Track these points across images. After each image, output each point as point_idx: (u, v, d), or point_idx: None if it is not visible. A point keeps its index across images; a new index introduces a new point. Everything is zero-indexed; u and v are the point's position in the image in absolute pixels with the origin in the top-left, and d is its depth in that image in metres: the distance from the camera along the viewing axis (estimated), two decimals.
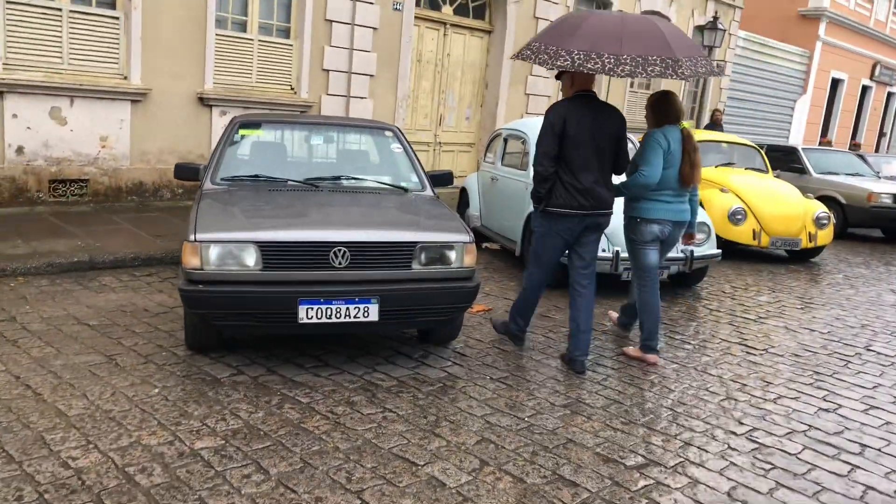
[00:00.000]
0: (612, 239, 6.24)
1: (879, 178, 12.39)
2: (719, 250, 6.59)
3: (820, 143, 23.51)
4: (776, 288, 7.22)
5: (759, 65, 19.28)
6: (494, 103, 12.50)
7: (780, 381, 4.49)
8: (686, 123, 4.47)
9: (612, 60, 3.79)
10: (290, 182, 4.68)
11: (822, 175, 11.90)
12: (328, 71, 9.82)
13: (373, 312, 3.84)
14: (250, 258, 3.72)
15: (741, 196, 8.68)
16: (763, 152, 10.08)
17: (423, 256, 3.99)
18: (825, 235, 8.74)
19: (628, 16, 4.25)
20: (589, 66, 3.79)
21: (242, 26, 9.08)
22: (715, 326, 5.66)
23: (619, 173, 4.42)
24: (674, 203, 4.47)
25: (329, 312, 3.77)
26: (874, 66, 25.51)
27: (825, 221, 8.73)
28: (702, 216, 6.64)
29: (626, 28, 3.98)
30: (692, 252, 6.31)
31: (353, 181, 4.88)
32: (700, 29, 15.67)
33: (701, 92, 15.65)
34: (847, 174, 12.07)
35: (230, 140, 4.93)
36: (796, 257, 8.93)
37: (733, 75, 18.20)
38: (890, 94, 27.67)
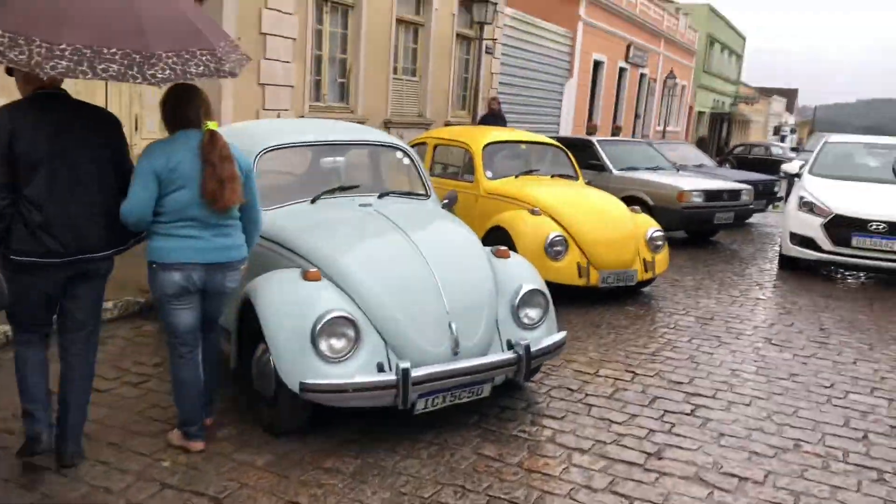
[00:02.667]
0: (398, 349, 3.48)
1: (678, 170, 10.95)
2: (563, 333, 4.06)
3: (587, 129, 22.89)
4: (636, 364, 4.89)
5: (527, 46, 17.67)
6: (217, 98, 9.20)
7: None
8: (212, 124, 3.28)
9: (44, 51, 2.64)
10: None
11: (623, 172, 10.14)
12: None
13: None
14: None
15: (557, 218, 6.34)
16: (569, 152, 7.90)
17: None
18: (662, 260, 6.69)
19: None
20: (12, 55, 2.63)
21: None
22: None
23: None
24: (202, 238, 3.26)
25: None
26: (628, 48, 25.48)
27: (660, 243, 6.68)
28: (534, 280, 4.07)
29: (78, 2, 2.85)
30: (527, 349, 3.71)
31: None
32: (465, 4, 13.47)
33: (475, 78, 13.49)
34: (647, 168, 10.45)
35: None
36: (627, 292, 6.79)
37: (503, 58, 16.35)
38: (642, 76, 28.07)
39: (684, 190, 9.29)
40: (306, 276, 3.59)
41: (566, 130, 20.69)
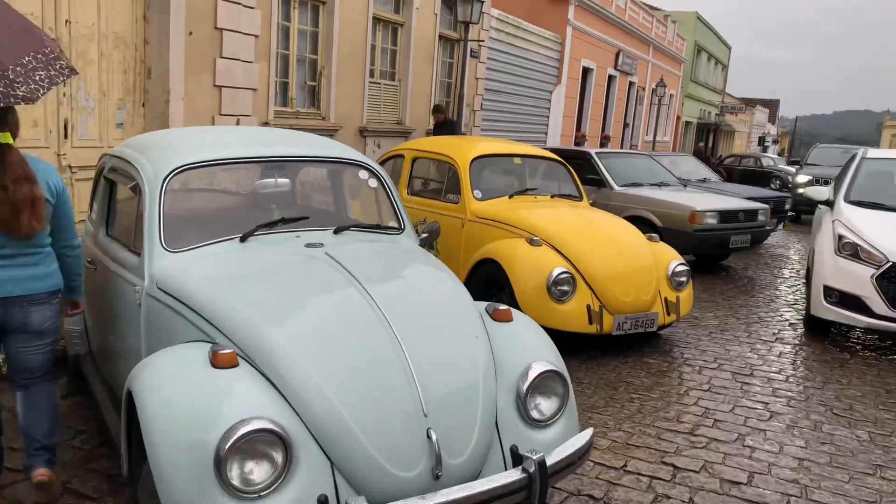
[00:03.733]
0: (351, 474, 2.33)
1: (686, 186, 9.88)
2: (588, 433, 2.88)
3: (575, 139, 21.87)
4: (673, 451, 3.73)
5: (514, 50, 16.60)
6: (164, 100, 8.00)
7: None
8: (3, 137, 2.66)
9: None
10: None
11: (625, 189, 9.04)
12: None
13: None
14: None
15: (562, 249, 5.20)
16: (571, 168, 6.76)
17: None
18: (686, 299, 5.57)
19: None
20: None
21: None
22: None
23: None
24: None
25: None
26: (617, 55, 24.54)
27: (685, 279, 5.56)
28: (547, 355, 2.90)
29: None
30: (541, 465, 2.54)
31: None
32: (449, 3, 12.36)
33: (459, 83, 12.35)
34: (652, 185, 9.36)
35: None
36: (643, 337, 5.64)
37: (489, 62, 15.26)
38: (631, 84, 27.14)
39: (697, 210, 8.20)
40: (215, 360, 2.41)
41: (554, 140, 19.66)
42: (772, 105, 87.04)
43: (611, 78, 24.56)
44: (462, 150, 6.10)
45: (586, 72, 22.05)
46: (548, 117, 19.55)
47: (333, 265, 2.92)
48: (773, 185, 27.69)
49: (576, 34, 20.32)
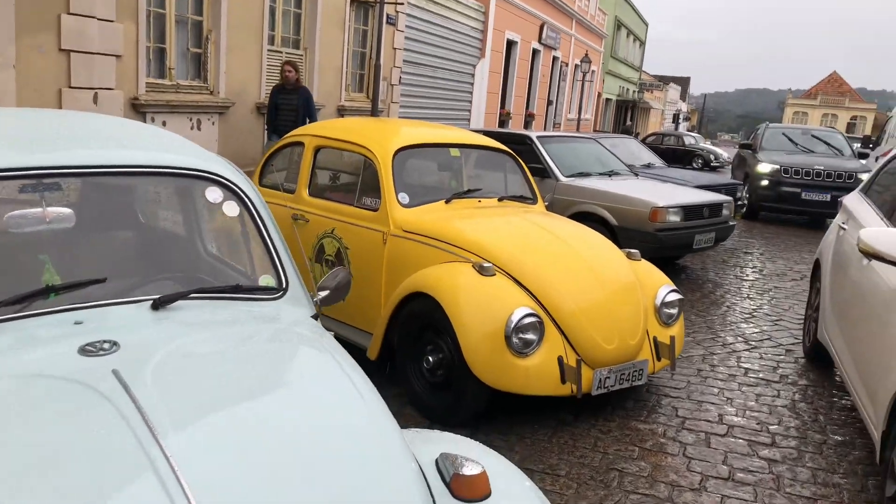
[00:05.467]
0: None
1: (637, 175, 8.65)
2: None
3: (500, 116, 20.60)
4: None
5: (436, 19, 15.06)
6: None
7: None
8: None
9: None
10: None
11: (572, 179, 7.71)
12: None
13: None
14: None
15: (522, 279, 3.78)
16: (521, 161, 5.30)
17: None
18: (679, 336, 4.24)
19: None
20: None
21: None
22: None
23: None
24: None
25: None
26: (542, 28, 23.31)
27: (675, 310, 4.25)
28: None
29: None
30: None
31: None
32: None
33: (375, 54, 10.71)
34: (601, 174, 8.07)
35: None
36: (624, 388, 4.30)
37: (408, 31, 13.68)
38: (555, 59, 26.02)
39: (659, 206, 6.95)
40: None
41: (478, 119, 18.30)
42: (683, 83, 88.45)
43: (535, 52, 23.34)
44: (382, 137, 4.56)
45: (510, 45, 20.73)
46: (471, 93, 18.14)
47: (119, 400, 1.39)
48: (695, 165, 27.27)
49: (500, 4, 18.93)
